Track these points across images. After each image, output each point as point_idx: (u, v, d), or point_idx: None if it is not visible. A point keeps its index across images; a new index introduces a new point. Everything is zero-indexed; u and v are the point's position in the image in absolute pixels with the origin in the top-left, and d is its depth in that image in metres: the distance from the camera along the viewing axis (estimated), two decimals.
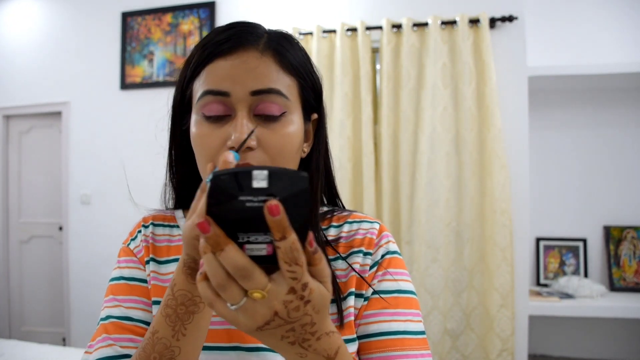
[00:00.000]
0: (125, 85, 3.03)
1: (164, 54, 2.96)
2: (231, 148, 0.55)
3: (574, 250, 2.57)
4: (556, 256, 2.59)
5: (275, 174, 0.35)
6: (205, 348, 0.60)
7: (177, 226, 0.70)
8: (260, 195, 0.35)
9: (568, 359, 2.53)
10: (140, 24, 3.02)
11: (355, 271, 0.63)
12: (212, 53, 0.59)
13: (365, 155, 2.40)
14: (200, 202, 0.41)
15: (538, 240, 2.61)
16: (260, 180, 0.35)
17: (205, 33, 2.87)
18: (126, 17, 3.04)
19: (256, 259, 0.37)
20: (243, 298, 0.38)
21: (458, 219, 2.35)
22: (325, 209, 0.70)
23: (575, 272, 2.55)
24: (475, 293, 2.32)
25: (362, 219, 0.68)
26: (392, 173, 2.43)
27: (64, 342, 3.21)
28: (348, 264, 0.63)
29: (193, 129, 0.60)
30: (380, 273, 0.63)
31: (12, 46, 3.34)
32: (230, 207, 0.36)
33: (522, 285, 2.31)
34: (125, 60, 3.04)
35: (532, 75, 2.32)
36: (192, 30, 2.92)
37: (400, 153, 2.40)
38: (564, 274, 2.56)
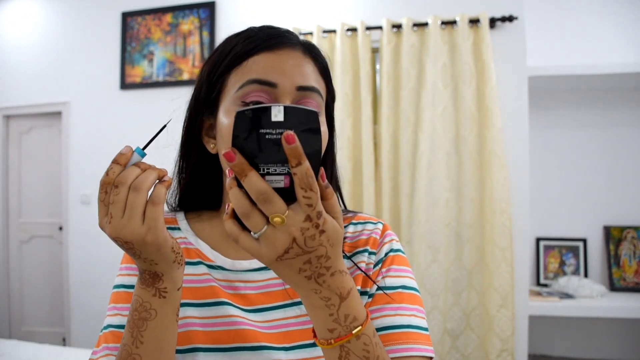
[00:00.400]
0: (125, 85, 3.03)
1: (164, 54, 2.96)
2: None
3: (574, 250, 2.57)
4: (556, 256, 2.59)
5: (290, 110, 0.40)
6: (208, 350, 0.60)
7: (179, 228, 0.70)
8: (278, 128, 0.40)
9: (568, 359, 2.53)
10: (140, 24, 3.02)
11: (360, 268, 0.64)
12: (258, 45, 0.60)
13: (365, 155, 2.40)
14: None
15: (538, 240, 2.61)
16: (277, 114, 0.40)
17: (205, 33, 2.88)
18: (126, 17, 3.04)
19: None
20: (265, 226, 0.42)
21: (458, 219, 2.35)
22: None
23: (575, 272, 2.55)
24: (475, 293, 2.32)
25: (367, 220, 0.69)
26: (392, 173, 2.43)
27: (64, 342, 3.21)
28: (353, 262, 0.64)
29: (225, 119, 0.60)
30: (384, 270, 0.64)
31: (12, 46, 3.34)
32: (252, 139, 0.41)
33: (522, 285, 2.31)
34: (125, 60, 3.04)
35: (532, 75, 2.32)
36: (192, 30, 2.92)
37: (400, 153, 2.40)
38: (564, 274, 2.56)
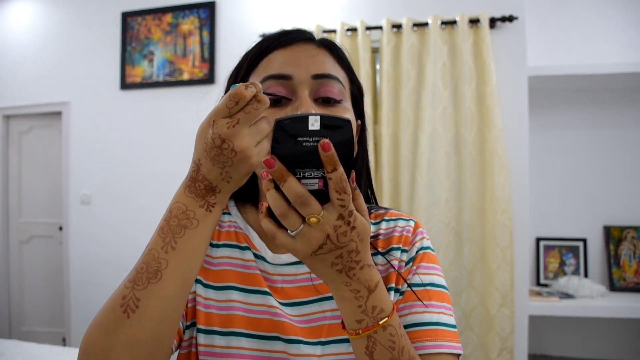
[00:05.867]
0: (125, 85, 3.03)
1: (164, 54, 2.96)
2: None
3: (574, 250, 2.57)
4: (556, 256, 2.59)
5: (326, 119, 0.43)
6: (249, 335, 0.62)
7: (229, 213, 0.72)
8: (314, 136, 0.43)
9: (568, 359, 2.53)
10: (140, 24, 3.02)
11: (393, 266, 0.65)
12: (270, 45, 0.62)
13: None
14: (219, 106, 0.48)
15: (538, 240, 2.61)
16: (314, 123, 0.43)
17: (205, 33, 2.88)
18: (126, 17, 3.04)
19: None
20: (301, 224, 0.45)
21: (458, 219, 2.35)
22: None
23: (575, 272, 2.55)
24: (475, 293, 2.32)
25: (398, 217, 0.71)
26: (392, 173, 2.43)
27: (64, 342, 3.21)
28: (386, 259, 0.66)
29: None
30: (414, 267, 0.65)
31: (12, 46, 3.34)
32: (290, 146, 0.44)
33: (522, 285, 2.31)
34: (125, 60, 3.04)
35: (532, 75, 2.32)
36: (192, 30, 2.92)
37: (400, 153, 2.40)
38: (564, 274, 2.56)
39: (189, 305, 0.64)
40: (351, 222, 0.45)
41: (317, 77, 0.61)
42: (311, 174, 0.44)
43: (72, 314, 3.14)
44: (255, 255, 0.67)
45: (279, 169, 0.43)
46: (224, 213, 0.72)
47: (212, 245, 0.68)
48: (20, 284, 3.43)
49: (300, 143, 0.43)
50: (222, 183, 0.50)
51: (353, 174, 0.46)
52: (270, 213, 0.47)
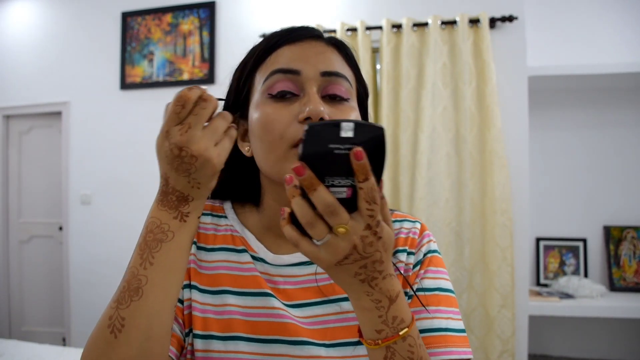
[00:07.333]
0: (125, 85, 3.03)
1: (164, 54, 2.96)
2: (306, 119, 0.57)
3: (574, 250, 2.57)
4: (556, 256, 2.59)
5: (359, 126, 0.42)
6: (249, 339, 0.61)
7: (225, 216, 0.70)
8: (346, 143, 0.41)
9: (568, 359, 2.53)
10: (140, 24, 3.02)
11: (399, 270, 0.64)
12: (279, 41, 0.62)
13: None
14: (167, 117, 0.48)
15: (538, 240, 2.61)
16: (347, 130, 0.41)
17: (205, 33, 2.88)
18: (126, 17, 3.04)
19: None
20: (327, 234, 0.43)
21: (458, 219, 2.35)
22: None
23: (575, 272, 2.55)
24: (475, 294, 2.32)
25: (404, 218, 0.69)
26: (392, 173, 2.43)
27: (64, 342, 3.21)
28: (392, 263, 0.65)
29: (255, 114, 0.61)
30: (422, 271, 0.64)
31: (12, 46, 3.34)
32: (322, 153, 0.42)
33: (522, 285, 2.30)
34: (125, 60, 3.04)
35: (532, 75, 2.32)
36: (192, 30, 2.92)
37: (400, 153, 2.40)
38: (564, 274, 2.56)
39: (185, 312, 0.63)
40: (378, 232, 0.44)
41: (326, 74, 0.60)
42: (340, 182, 0.43)
43: (72, 314, 3.14)
44: (254, 257, 0.66)
45: (309, 177, 0.42)
46: (220, 216, 0.70)
47: (207, 249, 0.67)
48: (20, 284, 3.43)
49: (332, 150, 0.42)
50: (192, 191, 0.51)
51: (382, 183, 0.45)
52: (293, 219, 0.45)
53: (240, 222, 0.69)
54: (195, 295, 0.63)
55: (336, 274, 0.47)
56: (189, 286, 0.64)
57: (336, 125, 0.42)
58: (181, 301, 0.63)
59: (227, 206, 0.72)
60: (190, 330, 0.63)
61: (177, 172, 0.49)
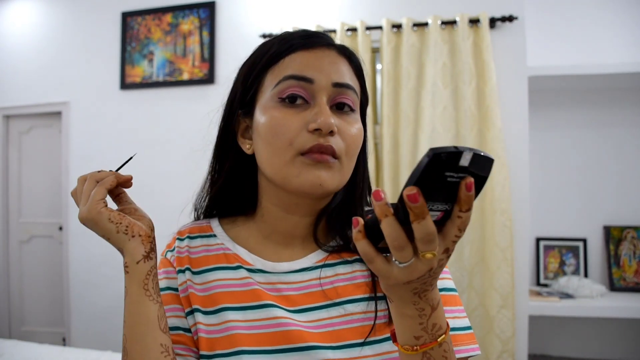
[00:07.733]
0: (125, 85, 3.03)
1: (164, 54, 2.96)
2: (316, 129, 0.59)
3: (574, 250, 2.57)
4: (556, 256, 2.59)
5: (476, 157, 0.40)
6: (254, 352, 0.60)
7: (215, 235, 0.70)
8: (461, 172, 0.40)
9: (568, 359, 2.53)
10: (140, 24, 3.02)
11: None
12: (294, 45, 0.62)
13: None
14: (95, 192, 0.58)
15: (538, 240, 2.61)
16: (466, 159, 0.40)
17: (205, 33, 2.87)
18: (126, 17, 3.04)
19: None
20: (412, 257, 0.43)
21: None
22: (367, 208, 0.73)
23: (575, 272, 2.55)
24: (475, 294, 2.32)
25: None
26: (392, 173, 2.43)
27: (64, 342, 3.21)
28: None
29: (263, 117, 0.61)
30: None
31: (12, 46, 3.34)
32: (435, 180, 0.40)
33: (522, 285, 2.30)
34: (125, 60, 3.04)
35: (532, 75, 2.32)
36: (192, 30, 2.92)
37: (400, 153, 2.40)
38: (564, 274, 2.56)
39: (195, 337, 0.64)
40: (449, 254, 0.44)
41: (337, 85, 0.62)
42: (438, 207, 0.41)
43: (72, 314, 3.14)
44: (250, 271, 0.66)
45: (421, 206, 0.39)
46: (210, 236, 0.70)
47: (201, 272, 0.67)
48: (20, 284, 3.43)
49: (445, 177, 0.40)
50: (113, 243, 0.58)
51: None
52: (368, 233, 0.44)
53: (230, 239, 0.69)
54: (200, 317, 0.64)
55: (396, 290, 0.47)
56: (192, 311, 0.64)
57: (458, 154, 0.40)
58: (188, 330, 0.64)
59: (215, 224, 0.72)
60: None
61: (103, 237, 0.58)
